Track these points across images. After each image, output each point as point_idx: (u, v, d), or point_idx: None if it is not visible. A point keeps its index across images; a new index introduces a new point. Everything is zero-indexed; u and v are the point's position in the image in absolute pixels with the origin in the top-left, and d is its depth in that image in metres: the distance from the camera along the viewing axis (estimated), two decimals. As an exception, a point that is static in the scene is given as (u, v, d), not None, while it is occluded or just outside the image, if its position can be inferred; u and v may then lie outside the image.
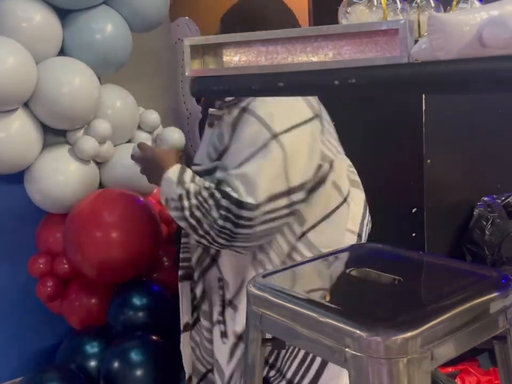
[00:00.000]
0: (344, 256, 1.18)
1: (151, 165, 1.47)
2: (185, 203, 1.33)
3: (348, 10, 0.87)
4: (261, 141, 1.30)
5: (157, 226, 1.99)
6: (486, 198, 2.13)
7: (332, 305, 0.92)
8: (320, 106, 1.45)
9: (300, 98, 1.36)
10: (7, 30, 1.84)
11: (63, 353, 1.91)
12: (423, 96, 1.94)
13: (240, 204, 1.27)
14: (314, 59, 0.82)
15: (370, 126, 2.17)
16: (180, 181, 1.35)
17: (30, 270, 1.98)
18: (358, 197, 1.48)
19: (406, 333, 0.82)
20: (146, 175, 1.51)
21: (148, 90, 2.34)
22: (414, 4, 0.89)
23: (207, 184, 1.34)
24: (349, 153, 1.63)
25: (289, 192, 1.32)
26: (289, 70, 0.85)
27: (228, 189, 1.30)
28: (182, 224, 1.36)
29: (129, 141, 2.16)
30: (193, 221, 1.33)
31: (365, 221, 1.47)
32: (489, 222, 2.05)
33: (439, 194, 2.06)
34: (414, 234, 1.96)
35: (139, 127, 2.19)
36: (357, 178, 1.51)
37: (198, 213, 1.31)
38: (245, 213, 1.28)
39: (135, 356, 1.73)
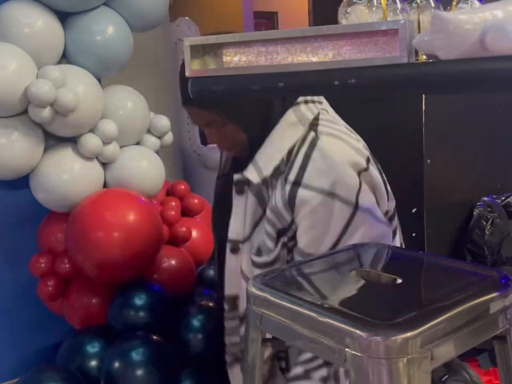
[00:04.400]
0: (344, 256, 1.18)
1: None
2: None
3: (348, 11, 0.87)
4: (344, 216, 1.19)
5: (159, 227, 1.99)
6: (486, 198, 2.13)
7: (332, 305, 0.92)
8: (351, 131, 1.34)
9: (344, 145, 1.24)
10: (9, 36, 1.84)
11: (64, 353, 1.91)
12: (423, 96, 1.94)
13: None
14: (314, 59, 0.82)
15: (370, 126, 2.17)
16: None
17: (31, 269, 1.98)
18: None
19: (406, 333, 0.82)
20: None
21: (148, 90, 2.34)
22: (414, 4, 0.89)
23: None
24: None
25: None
26: (289, 70, 0.85)
27: None
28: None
29: (137, 144, 2.16)
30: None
31: None
32: (489, 222, 2.05)
33: (439, 194, 2.06)
34: (414, 234, 1.96)
35: (148, 131, 2.20)
36: None
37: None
38: None
39: (135, 356, 1.73)
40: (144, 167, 2.09)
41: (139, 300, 1.87)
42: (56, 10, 1.93)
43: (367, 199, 1.20)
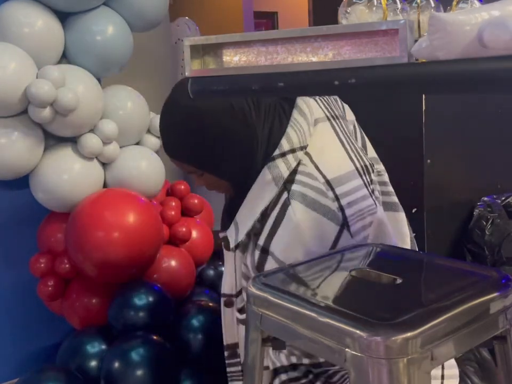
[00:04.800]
0: (344, 256, 1.18)
1: None
2: None
3: (348, 10, 0.87)
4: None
5: (159, 227, 1.99)
6: (486, 198, 2.13)
7: (332, 305, 0.92)
8: (332, 184, 1.23)
9: (318, 215, 1.17)
10: (9, 36, 1.84)
11: (64, 353, 1.91)
12: (423, 96, 1.94)
13: None
14: (314, 59, 0.82)
15: (370, 126, 2.17)
16: None
17: (31, 269, 1.98)
18: (402, 224, 1.41)
19: (406, 333, 0.82)
20: None
21: (148, 90, 2.34)
22: (414, 4, 0.90)
23: None
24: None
25: None
26: (289, 70, 0.85)
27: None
28: None
29: (137, 144, 2.16)
30: None
31: None
32: (489, 222, 2.05)
33: (439, 194, 2.06)
34: (414, 234, 1.96)
35: (148, 131, 2.20)
36: (394, 199, 1.39)
37: None
38: None
39: (135, 356, 1.73)
40: (144, 167, 2.09)
41: (139, 300, 1.86)
42: (56, 10, 1.93)
43: None
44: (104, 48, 1.96)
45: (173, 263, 2.07)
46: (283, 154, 1.20)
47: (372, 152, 1.46)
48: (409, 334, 0.82)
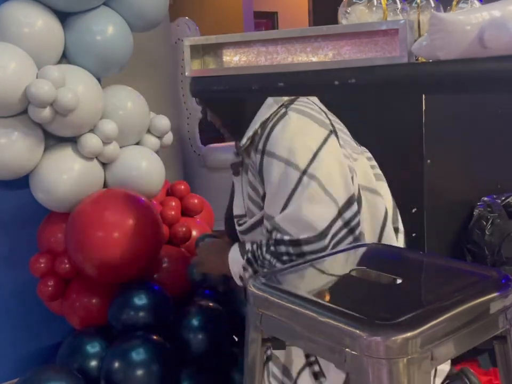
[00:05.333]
0: (344, 256, 1.18)
1: (211, 255, 1.56)
2: (251, 271, 1.37)
3: (348, 10, 0.87)
4: (293, 181, 1.29)
5: (159, 227, 1.99)
6: (486, 198, 2.13)
7: (332, 305, 0.92)
8: (328, 115, 1.42)
9: (309, 119, 1.34)
10: (9, 36, 1.84)
11: (64, 353, 1.90)
12: (423, 96, 1.94)
13: (297, 242, 1.27)
14: (314, 59, 0.82)
15: (370, 126, 2.17)
16: (241, 254, 1.40)
17: (31, 269, 1.98)
18: (385, 190, 1.48)
19: (406, 333, 0.82)
20: (210, 268, 1.59)
21: (148, 90, 2.34)
22: (414, 4, 0.90)
23: (260, 242, 1.36)
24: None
25: (340, 212, 1.29)
26: (289, 70, 0.85)
27: (279, 235, 1.29)
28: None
29: (137, 144, 2.16)
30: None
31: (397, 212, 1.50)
32: (489, 222, 2.05)
33: (439, 194, 2.06)
34: (414, 234, 1.96)
35: (148, 131, 2.20)
36: (379, 171, 1.51)
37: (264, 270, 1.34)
38: (306, 248, 1.26)
39: (135, 356, 1.73)
40: (144, 167, 2.09)
41: (139, 300, 1.86)
42: (56, 10, 1.93)
43: (320, 170, 1.29)
44: (104, 48, 1.96)
45: (173, 263, 2.07)
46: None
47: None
48: (409, 334, 0.82)
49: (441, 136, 2.04)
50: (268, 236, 1.33)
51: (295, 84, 0.84)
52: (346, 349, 0.84)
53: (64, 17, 1.96)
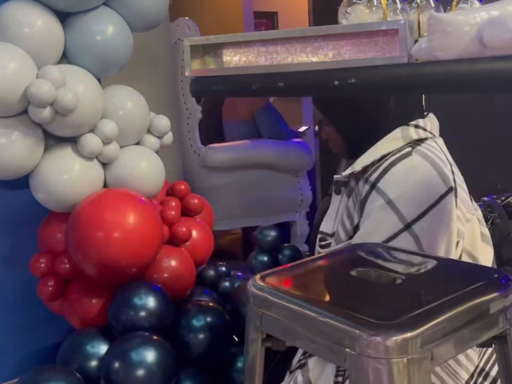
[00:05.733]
0: (344, 256, 1.18)
1: None
2: None
3: (348, 10, 0.87)
4: (392, 229, 1.22)
5: (159, 227, 1.99)
6: (486, 198, 2.13)
7: (332, 305, 0.92)
8: (453, 167, 1.35)
9: (432, 169, 1.27)
10: (9, 36, 1.84)
11: (64, 353, 1.90)
12: (423, 96, 1.94)
13: None
14: (314, 59, 0.82)
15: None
16: None
17: (31, 269, 1.97)
18: (487, 255, 1.41)
19: (406, 333, 0.82)
20: None
21: (148, 90, 2.34)
22: (414, 4, 0.90)
23: None
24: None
25: None
26: (289, 70, 0.85)
27: None
28: None
29: (137, 144, 2.16)
30: None
31: None
32: (489, 222, 2.04)
33: (439, 194, 2.05)
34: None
35: (148, 131, 2.20)
36: (486, 231, 1.43)
37: None
38: None
39: (135, 356, 1.72)
40: (144, 167, 2.09)
41: (139, 300, 1.86)
42: (56, 10, 1.93)
43: (423, 230, 1.21)
44: (104, 48, 1.96)
45: (173, 263, 2.07)
46: (417, 126, 1.37)
47: None
48: (409, 334, 0.82)
49: (441, 136, 2.04)
50: None
51: (295, 84, 0.84)
52: (346, 349, 0.84)
53: (64, 17, 1.96)
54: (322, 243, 1.41)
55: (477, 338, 0.91)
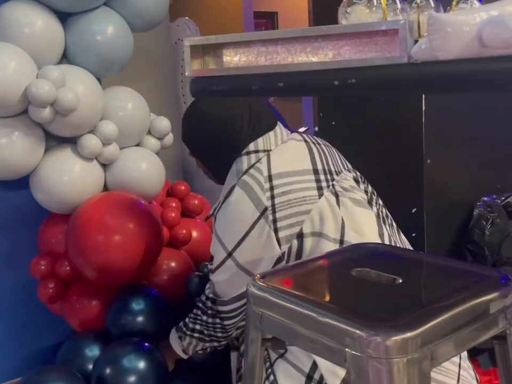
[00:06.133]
0: (344, 256, 1.19)
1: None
2: (187, 332, 1.66)
3: (348, 10, 0.87)
4: (221, 257, 1.47)
5: (159, 230, 1.99)
6: (486, 198, 2.13)
7: (332, 305, 0.92)
8: (273, 181, 1.44)
9: (247, 198, 1.42)
10: (9, 36, 1.84)
11: (63, 356, 1.90)
12: (423, 96, 1.94)
13: (213, 301, 1.55)
14: (314, 59, 0.82)
15: (370, 126, 2.17)
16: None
17: (32, 271, 1.97)
18: (363, 221, 1.43)
19: (406, 333, 0.82)
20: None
21: (148, 91, 2.34)
22: (414, 4, 0.90)
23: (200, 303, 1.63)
24: (349, 154, 1.62)
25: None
26: (289, 70, 0.85)
27: (207, 291, 1.58)
28: (199, 346, 1.66)
29: (137, 145, 2.16)
30: (196, 334, 1.63)
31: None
32: (489, 222, 2.05)
33: (439, 194, 2.06)
34: (414, 234, 1.96)
35: (149, 132, 2.19)
36: (357, 196, 1.46)
37: (197, 326, 1.62)
38: (220, 308, 1.54)
39: (126, 362, 1.71)
40: (144, 169, 2.09)
41: (136, 305, 1.86)
42: (56, 10, 1.93)
43: (243, 252, 1.43)
44: (104, 48, 1.96)
45: (173, 265, 2.06)
46: (248, 153, 1.48)
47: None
48: (409, 334, 0.82)
49: (441, 136, 2.04)
50: (205, 296, 1.60)
51: (295, 84, 0.84)
52: (346, 349, 0.84)
53: (64, 17, 1.96)
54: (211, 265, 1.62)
55: (477, 338, 0.91)
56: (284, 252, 1.39)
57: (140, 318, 1.85)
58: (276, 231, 1.40)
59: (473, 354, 1.95)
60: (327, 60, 0.81)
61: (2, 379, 2.08)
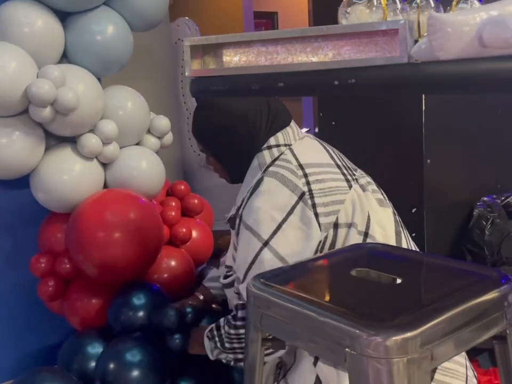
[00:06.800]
0: (344, 256, 1.19)
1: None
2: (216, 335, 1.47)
3: (348, 11, 0.87)
4: (254, 250, 1.35)
5: (159, 228, 1.99)
6: (486, 198, 2.13)
7: (332, 305, 0.92)
8: (306, 169, 1.40)
9: (281, 185, 1.36)
10: (10, 36, 1.84)
11: (64, 354, 1.90)
12: (423, 96, 1.94)
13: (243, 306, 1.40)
14: (314, 59, 0.82)
15: (370, 126, 2.17)
16: (209, 337, 1.49)
17: (32, 269, 1.97)
18: (384, 218, 1.43)
19: (406, 333, 0.82)
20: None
21: (148, 90, 2.34)
22: (414, 4, 0.89)
23: (224, 320, 1.47)
24: (349, 154, 1.63)
25: None
26: (289, 70, 0.85)
27: (233, 313, 1.44)
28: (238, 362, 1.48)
29: (137, 144, 2.16)
30: (232, 352, 1.45)
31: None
32: (489, 222, 2.05)
33: (439, 194, 2.06)
34: (414, 234, 1.96)
35: (149, 131, 2.19)
36: (377, 193, 1.47)
37: (235, 344, 1.43)
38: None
39: (130, 358, 1.71)
40: (144, 168, 2.09)
41: (138, 301, 1.86)
42: (56, 10, 1.93)
43: (281, 240, 1.33)
44: (104, 48, 1.96)
45: (173, 263, 2.07)
46: (269, 147, 1.45)
47: None
48: (409, 334, 0.82)
49: (441, 136, 2.04)
50: (237, 297, 1.46)
51: (295, 83, 0.84)
52: (346, 349, 0.84)
53: (64, 17, 1.96)
54: (226, 279, 1.55)
55: (477, 338, 0.91)
56: (320, 241, 1.34)
57: (141, 314, 1.84)
58: (316, 215, 1.34)
59: (473, 354, 1.96)
60: (327, 60, 0.81)
61: (2, 378, 2.08)
